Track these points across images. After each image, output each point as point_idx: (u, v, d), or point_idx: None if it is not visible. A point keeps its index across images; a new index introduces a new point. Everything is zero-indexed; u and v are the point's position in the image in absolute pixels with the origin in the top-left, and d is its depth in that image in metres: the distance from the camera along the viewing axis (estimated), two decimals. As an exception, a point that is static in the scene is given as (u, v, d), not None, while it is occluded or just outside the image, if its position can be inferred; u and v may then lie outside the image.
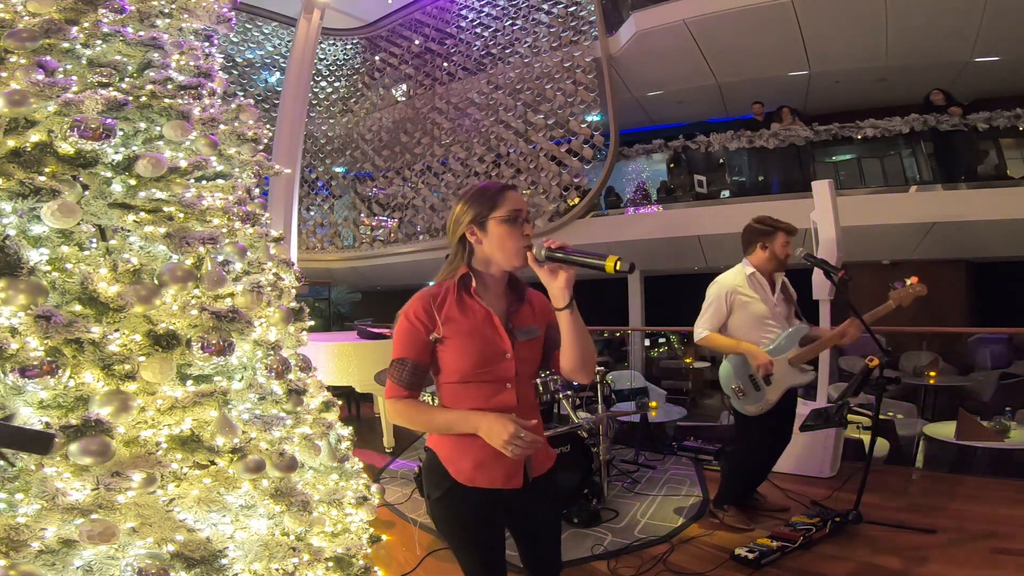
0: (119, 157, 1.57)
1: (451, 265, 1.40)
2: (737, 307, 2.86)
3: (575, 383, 3.75)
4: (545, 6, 9.15)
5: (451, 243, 1.41)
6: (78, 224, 1.46)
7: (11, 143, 1.44)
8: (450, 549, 1.48)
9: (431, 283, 1.44)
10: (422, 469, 1.50)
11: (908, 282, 2.78)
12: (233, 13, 2.24)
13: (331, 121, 11.62)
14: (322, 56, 11.62)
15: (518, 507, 1.44)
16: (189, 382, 1.57)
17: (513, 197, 1.36)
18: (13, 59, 1.53)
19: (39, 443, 0.77)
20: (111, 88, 1.63)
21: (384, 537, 2.19)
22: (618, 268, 1.17)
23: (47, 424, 1.27)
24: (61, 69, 1.59)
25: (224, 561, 1.41)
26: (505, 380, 1.37)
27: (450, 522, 1.41)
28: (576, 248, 1.25)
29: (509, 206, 1.34)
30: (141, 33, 1.80)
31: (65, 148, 1.47)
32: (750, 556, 2.54)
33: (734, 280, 2.89)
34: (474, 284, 1.36)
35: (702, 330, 2.88)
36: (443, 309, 1.35)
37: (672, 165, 8.46)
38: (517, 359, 1.38)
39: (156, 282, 1.53)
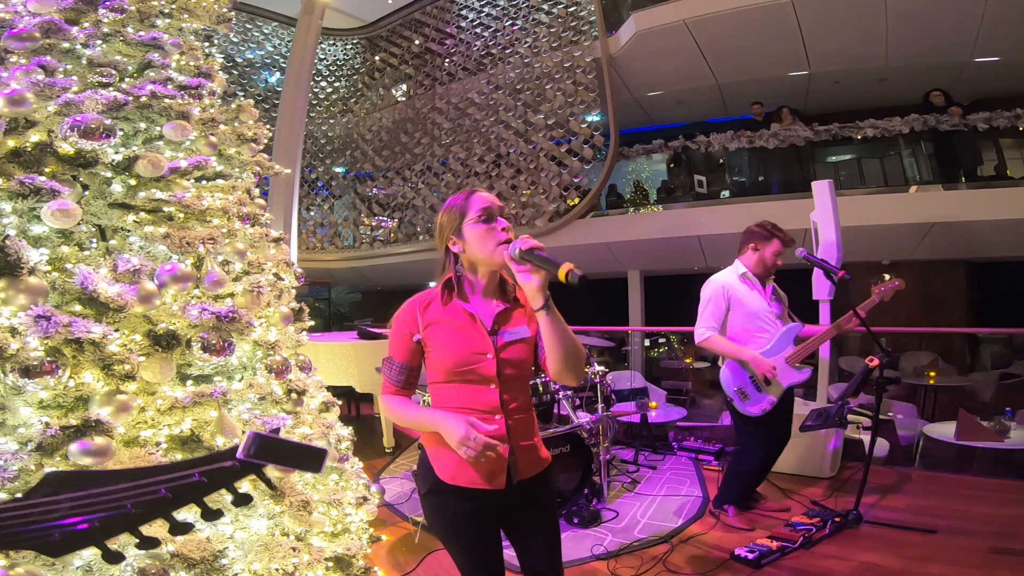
0: (119, 157, 1.57)
1: (441, 273, 1.47)
2: (734, 304, 2.88)
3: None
4: (545, 6, 9.14)
5: (439, 252, 1.49)
6: (78, 224, 1.46)
7: (11, 143, 1.44)
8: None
9: (432, 284, 1.48)
10: (417, 466, 1.55)
11: (887, 277, 2.91)
12: (233, 13, 2.24)
13: (331, 121, 11.62)
14: (322, 56, 11.62)
15: (504, 510, 1.45)
16: (189, 382, 1.57)
17: (480, 198, 1.41)
18: (13, 59, 1.54)
19: (312, 460, 0.69)
20: (111, 88, 1.63)
21: (384, 537, 2.19)
22: (568, 280, 1.16)
23: (47, 424, 1.27)
24: (61, 69, 1.59)
25: (224, 561, 1.41)
26: (487, 380, 1.39)
27: (436, 518, 1.47)
28: (544, 252, 1.25)
29: (478, 206, 1.39)
30: (141, 33, 1.80)
31: (65, 148, 1.47)
32: (750, 556, 2.54)
33: (728, 278, 2.92)
34: (455, 289, 1.43)
35: (704, 331, 2.88)
36: (427, 312, 1.42)
37: (672, 165, 8.46)
38: (499, 360, 1.39)
39: (156, 282, 1.53)
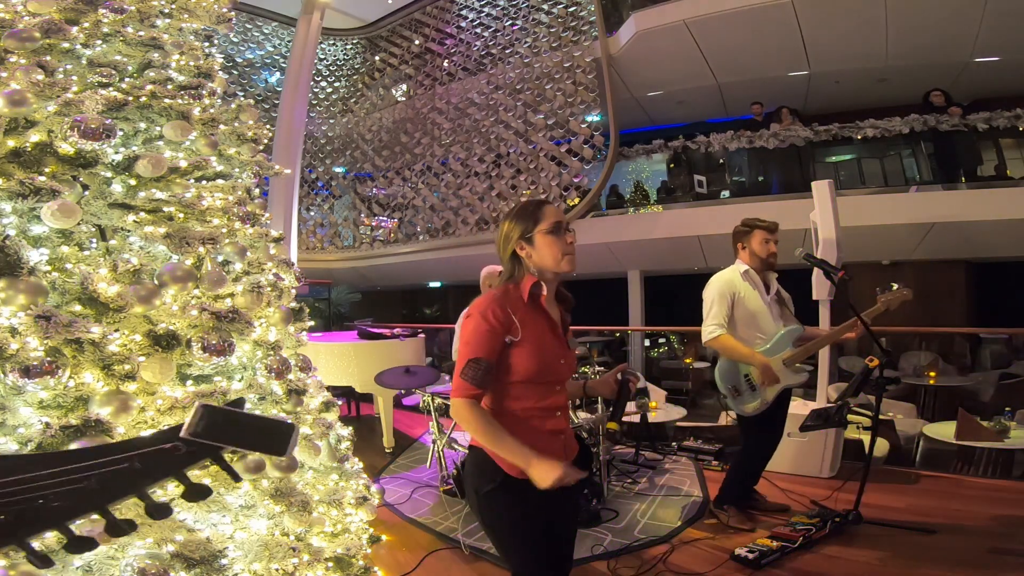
0: (119, 157, 1.57)
1: (510, 278, 1.51)
2: (737, 302, 2.88)
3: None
4: (545, 6, 9.15)
5: (503, 259, 1.54)
6: (78, 224, 1.46)
7: (11, 143, 1.44)
8: (497, 545, 1.51)
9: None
10: (466, 467, 1.54)
11: (895, 286, 2.85)
12: (233, 13, 2.24)
13: (331, 121, 11.62)
14: (322, 56, 11.62)
15: (554, 498, 1.48)
16: (189, 382, 1.57)
17: (552, 210, 1.51)
18: (13, 59, 1.54)
19: (275, 439, 0.54)
20: (111, 88, 1.63)
21: (384, 537, 2.19)
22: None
23: (47, 424, 1.27)
24: (61, 69, 1.59)
25: (224, 561, 1.41)
26: (557, 382, 1.52)
27: (502, 513, 1.46)
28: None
29: (551, 219, 1.48)
30: (141, 33, 1.80)
31: (65, 148, 1.47)
32: (750, 556, 2.54)
33: (731, 276, 2.93)
34: (544, 293, 1.48)
35: (714, 328, 2.85)
36: (518, 314, 1.45)
37: (672, 165, 8.46)
38: (567, 364, 1.53)
39: (156, 282, 1.53)
